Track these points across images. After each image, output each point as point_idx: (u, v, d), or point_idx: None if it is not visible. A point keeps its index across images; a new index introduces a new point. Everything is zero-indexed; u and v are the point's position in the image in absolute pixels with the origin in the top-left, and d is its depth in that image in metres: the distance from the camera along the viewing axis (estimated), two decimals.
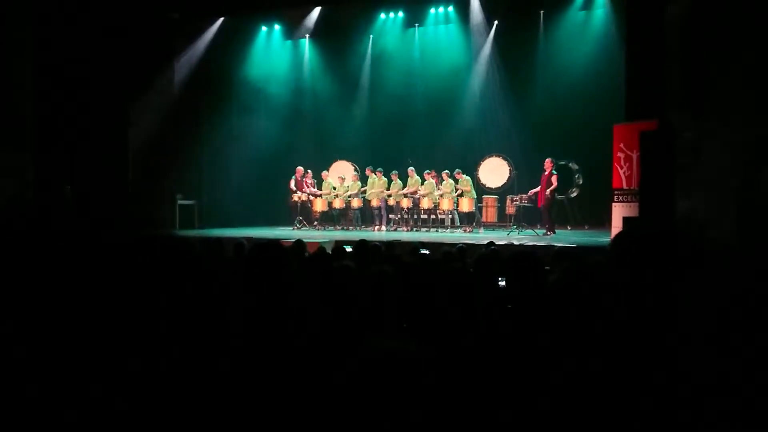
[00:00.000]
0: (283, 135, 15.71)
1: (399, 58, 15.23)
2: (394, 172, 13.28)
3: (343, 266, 2.68)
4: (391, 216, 13.48)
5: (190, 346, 1.98)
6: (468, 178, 12.91)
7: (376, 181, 13.41)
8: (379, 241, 6.38)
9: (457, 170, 12.81)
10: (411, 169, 13.24)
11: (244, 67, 15.61)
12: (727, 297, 1.43)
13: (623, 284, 1.49)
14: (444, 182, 12.85)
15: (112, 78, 12.37)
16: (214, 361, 1.90)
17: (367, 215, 14.06)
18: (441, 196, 12.86)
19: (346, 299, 2.42)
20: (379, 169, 13.50)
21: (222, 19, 14.61)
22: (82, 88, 11.81)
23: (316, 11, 14.97)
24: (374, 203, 13.36)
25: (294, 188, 13.66)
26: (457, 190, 12.64)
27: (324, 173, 14.20)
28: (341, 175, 14.11)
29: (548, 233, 11.02)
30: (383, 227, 13.25)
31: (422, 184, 13.07)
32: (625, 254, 1.53)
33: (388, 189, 13.29)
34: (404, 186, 13.27)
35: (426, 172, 13.05)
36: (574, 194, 12.52)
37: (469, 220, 13.06)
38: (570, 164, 10.85)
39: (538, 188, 11.31)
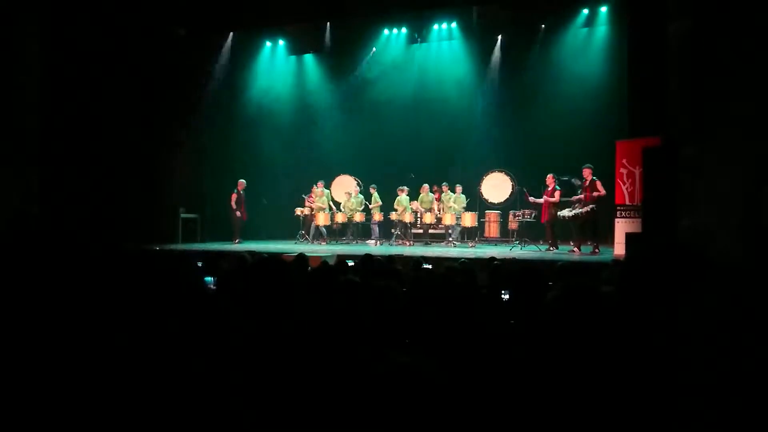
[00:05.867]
0: (286, 149, 15.78)
1: (402, 73, 15.32)
2: (400, 187, 13.39)
3: (348, 281, 2.68)
4: (393, 231, 13.53)
5: (191, 363, 1.97)
6: (462, 196, 13.15)
7: (369, 197, 13.68)
8: (382, 256, 6.38)
9: (444, 183, 13.22)
10: (425, 185, 13.34)
11: (248, 81, 15.74)
12: (731, 313, 1.43)
13: (627, 301, 1.49)
14: (447, 196, 13.04)
15: (117, 92, 12.45)
16: (217, 376, 1.90)
17: (363, 230, 14.15)
18: (442, 210, 13.04)
19: (350, 314, 2.42)
20: (372, 185, 13.71)
21: (227, 34, 14.77)
22: (86, 102, 11.88)
23: (320, 27, 15.10)
24: (376, 218, 13.47)
25: (234, 205, 13.42)
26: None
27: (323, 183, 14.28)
28: (348, 191, 14.17)
29: (551, 249, 10.99)
30: (378, 242, 13.32)
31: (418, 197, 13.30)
32: (629, 271, 1.54)
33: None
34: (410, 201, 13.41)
35: (437, 186, 13.26)
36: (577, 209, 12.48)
37: (470, 235, 13.07)
38: (572, 180, 10.83)
39: (542, 199, 11.26)
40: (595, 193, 10.29)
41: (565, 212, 10.63)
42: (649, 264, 1.52)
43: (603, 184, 10.47)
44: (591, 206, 10.23)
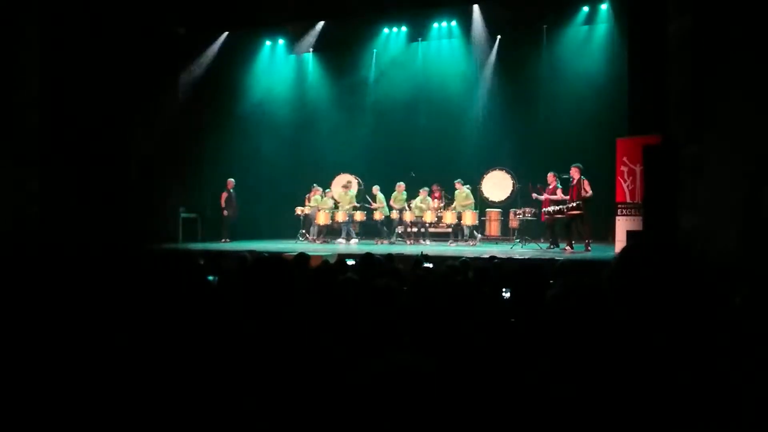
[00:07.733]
0: (286, 148, 15.76)
1: (402, 72, 15.30)
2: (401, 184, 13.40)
3: (347, 279, 2.67)
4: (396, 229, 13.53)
5: (190, 363, 1.97)
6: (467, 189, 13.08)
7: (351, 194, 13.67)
8: (381, 254, 6.37)
9: (458, 180, 13.07)
10: (459, 182, 13.32)
11: (247, 80, 15.72)
12: (730, 312, 1.42)
13: (625, 299, 1.49)
14: (463, 193, 13.01)
15: (117, 92, 12.44)
16: (216, 377, 1.90)
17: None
18: (444, 208, 13.05)
19: (349, 313, 2.42)
20: (375, 185, 13.73)
21: (226, 33, 14.76)
22: (86, 102, 11.88)
23: (320, 26, 15.08)
24: (377, 216, 13.46)
25: (223, 204, 13.60)
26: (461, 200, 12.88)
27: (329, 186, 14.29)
28: (344, 185, 14.16)
29: (551, 247, 10.99)
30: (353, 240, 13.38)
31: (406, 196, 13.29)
32: (627, 270, 1.53)
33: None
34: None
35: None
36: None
37: (472, 233, 13.06)
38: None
39: (543, 196, 11.26)
40: (583, 193, 10.29)
41: (550, 208, 10.71)
42: (639, 261, 1.52)
43: (603, 182, 10.47)
44: (577, 203, 10.25)
